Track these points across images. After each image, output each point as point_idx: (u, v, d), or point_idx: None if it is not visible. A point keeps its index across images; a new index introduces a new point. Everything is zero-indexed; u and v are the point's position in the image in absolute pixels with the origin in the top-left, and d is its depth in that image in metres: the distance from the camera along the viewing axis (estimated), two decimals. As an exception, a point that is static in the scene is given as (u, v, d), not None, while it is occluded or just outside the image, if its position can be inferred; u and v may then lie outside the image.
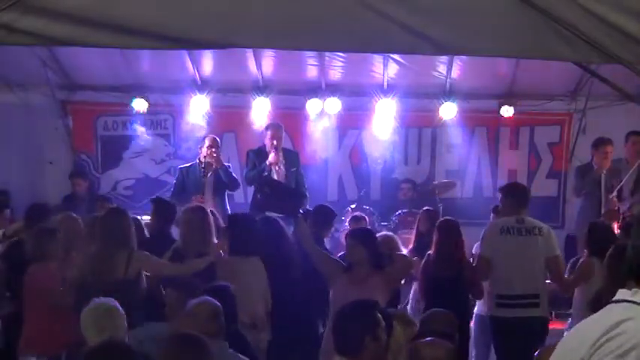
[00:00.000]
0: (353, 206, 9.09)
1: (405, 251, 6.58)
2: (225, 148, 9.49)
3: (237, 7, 4.62)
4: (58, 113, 9.87)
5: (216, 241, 6.27)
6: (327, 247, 7.07)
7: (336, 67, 9.50)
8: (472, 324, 6.79)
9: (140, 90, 9.75)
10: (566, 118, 10.08)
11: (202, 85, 9.75)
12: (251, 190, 8.91)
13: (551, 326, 6.42)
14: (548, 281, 6.37)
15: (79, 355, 3.98)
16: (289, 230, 6.34)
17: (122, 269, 5.70)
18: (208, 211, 6.52)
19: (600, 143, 8.48)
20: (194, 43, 5.00)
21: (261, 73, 9.60)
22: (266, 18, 4.63)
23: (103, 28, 4.61)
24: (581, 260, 6.36)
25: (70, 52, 8.91)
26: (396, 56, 8.91)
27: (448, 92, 9.80)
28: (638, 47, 4.63)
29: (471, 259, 6.70)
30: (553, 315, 7.30)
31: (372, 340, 3.89)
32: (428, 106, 9.95)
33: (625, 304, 1.81)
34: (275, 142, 8.47)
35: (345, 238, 5.93)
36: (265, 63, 9.45)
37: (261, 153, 8.61)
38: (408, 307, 6.88)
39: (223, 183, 8.56)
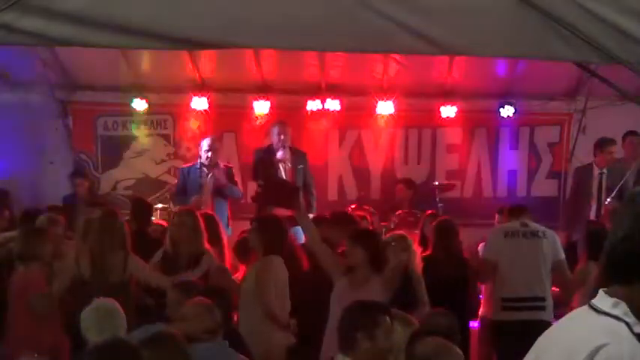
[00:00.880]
0: (353, 206, 9.10)
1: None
2: (225, 148, 9.50)
3: (237, 7, 4.61)
4: (58, 113, 9.87)
5: (208, 246, 6.22)
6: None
7: (336, 67, 9.50)
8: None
9: (140, 90, 9.75)
10: (566, 118, 10.08)
11: (202, 85, 9.76)
12: None
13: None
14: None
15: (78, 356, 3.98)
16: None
17: (120, 271, 5.71)
18: (198, 214, 6.46)
19: (605, 143, 8.49)
20: (194, 43, 5.00)
21: (261, 73, 9.60)
22: (266, 18, 4.62)
23: (103, 28, 4.60)
24: (579, 265, 6.38)
25: (70, 52, 8.91)
26: (396, 56, 8.91)
27: (448, 92, 9.80)
28: (638, 47, 4.63)
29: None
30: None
31: (367, 338, 3.90)
32: (428, 106, 9.96)
33: (604, 318, 1.76)
34: (282, 138, 8.59)
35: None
36: (265, 63, 9.45)
37: (268, 151, 8.71)
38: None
39: (223, 185, 8.60)
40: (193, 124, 9.99)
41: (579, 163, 9.34)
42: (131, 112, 9.89)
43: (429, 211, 7.86)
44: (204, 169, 8.69)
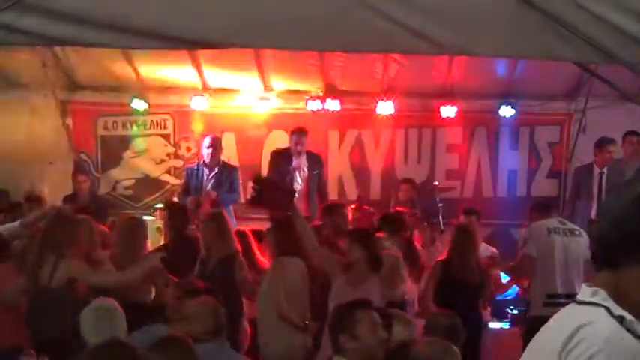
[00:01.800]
0: (353, 206, 9.09)
1: None
2: (225, 148, 9.50)
3: (237, 7, 4.62)
4: (58, 113, 9.87)
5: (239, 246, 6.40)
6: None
7: (336, 67, 9.50)
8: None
9: (140, 90, 9.75)
10: (566, 118, 10.07)
11: (202, 85, 9.75)
12: None
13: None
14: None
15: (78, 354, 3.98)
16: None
17: (47, 275, 5.53)
18: (225, 215, 6.69)
19: (605, 143, 8.49)
20: (194, 43, 5.01)
21: (262, 73, 9.60)
22: (266, 18, 4.63)
23: (103, 28, 4.61)
24: None
25: (70, 52, 8.91)
26: (396, 56, 8.91)
27: (448, 92, 9.80)
28: (638, 47, 4.63)
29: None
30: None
31: (351, 339, 3.89)
32: (428, 106, 9.95)
33: (584, 307, 1.80)
34: (299, 148, 8.71)
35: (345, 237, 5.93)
36: (265, 63, 9.45)
37: (286, 156, 8.86)
38: (416, 306, 6.86)
39: (224, 185, 8.61)
40: (193, 124, 9.98)
41: (579, 163, 9.33)
42: (131, 112, 9.89)
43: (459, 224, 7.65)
44: (205, 168, 8.72)
